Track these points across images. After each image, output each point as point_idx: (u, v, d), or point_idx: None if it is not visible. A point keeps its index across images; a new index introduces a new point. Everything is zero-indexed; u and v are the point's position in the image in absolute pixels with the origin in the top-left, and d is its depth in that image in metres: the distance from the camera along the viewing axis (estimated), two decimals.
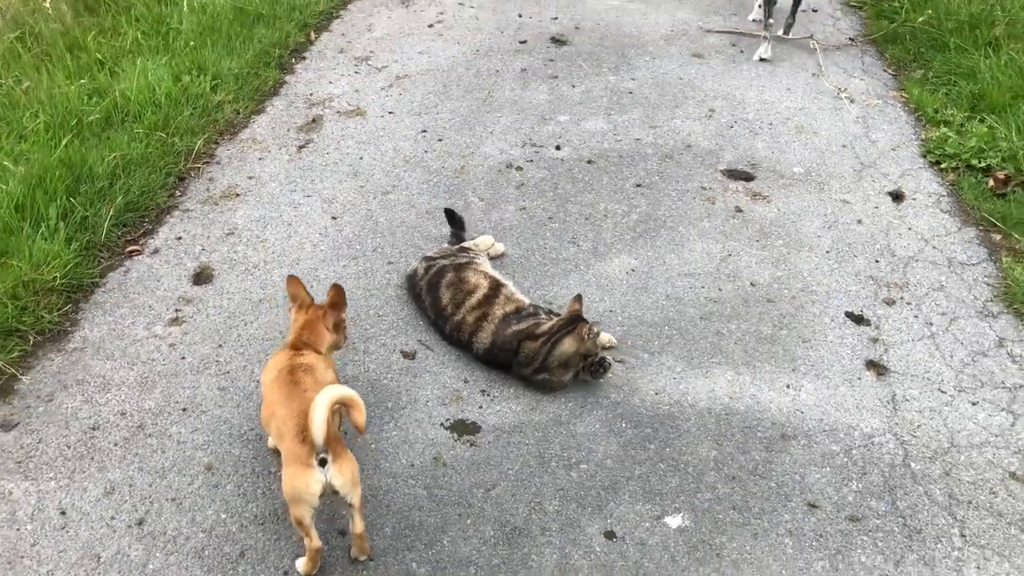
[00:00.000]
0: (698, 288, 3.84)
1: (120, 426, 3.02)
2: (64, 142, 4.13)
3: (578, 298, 3.28)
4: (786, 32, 6.24)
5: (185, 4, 5.78)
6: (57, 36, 5.17)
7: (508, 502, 2.84)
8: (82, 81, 4.78)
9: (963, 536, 2.77)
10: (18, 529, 2.66)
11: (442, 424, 3.11)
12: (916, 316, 3.71)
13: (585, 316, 3.28)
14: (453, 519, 2.77)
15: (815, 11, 6.86)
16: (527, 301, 3.43)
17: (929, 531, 2.78)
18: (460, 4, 6.78)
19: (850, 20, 6.75)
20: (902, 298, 3.81)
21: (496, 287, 3.44)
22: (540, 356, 3.17)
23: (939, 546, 2.74)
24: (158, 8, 5.81)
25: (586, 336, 3.14)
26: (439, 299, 3.46)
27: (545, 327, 3.22)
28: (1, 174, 3.87)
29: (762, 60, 5.98)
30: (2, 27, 5.19)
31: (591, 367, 3.22)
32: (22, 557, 2.58)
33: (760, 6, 6.40)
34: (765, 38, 6.02)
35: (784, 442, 3.09)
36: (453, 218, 3.94)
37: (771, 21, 6.00)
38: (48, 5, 5.43)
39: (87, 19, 5.70)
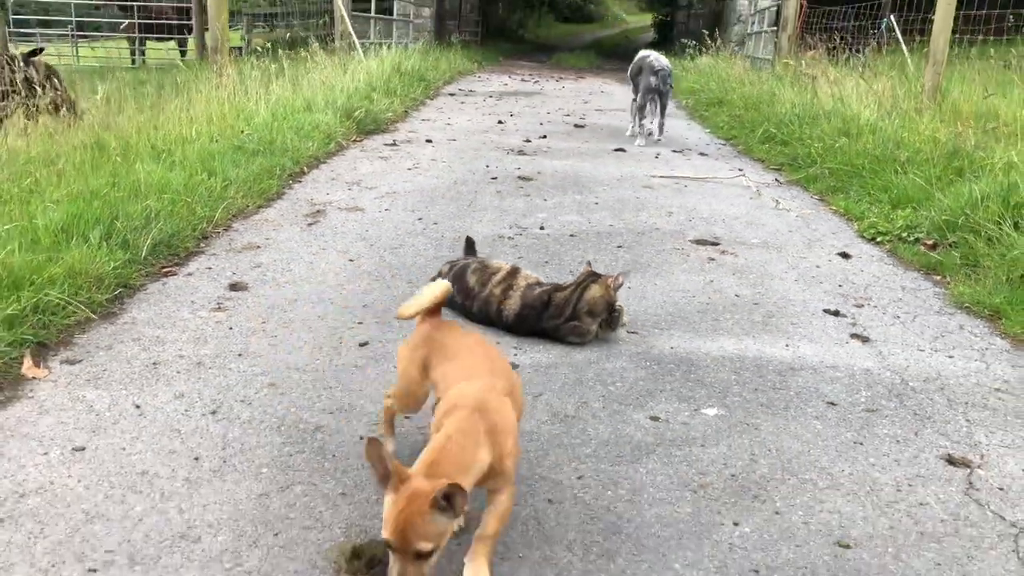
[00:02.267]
0: (690, 298, 4.26)
1: (180, 363, 3.17)
2: (96, 203, 4.46)
3: (588, 264, 3.67)
4: (650, 134, 9.56)
5: (187, 144, 6.35)
6: (81, 158, 5.61)
7: (556, 403, 3.05)
8: (103, 178, 5.18)
9: (968, 420, 3.08)
10: (97, 415, 2.74)
11: None
12: (884, 314, 4.18)
13: None
14: None
15: (741, 170, 7.85)
16: (545, 279, 3.80)
17: (938, 417, 3.08)
18: (432, 160, 7.55)
19: (772, 175, 7.74)
20: (869, 302, 4.30)
21: (516, 268, 3.81)
22: (571, 303, 3.50)
23: (949, 425, 3.03)
24: (161, 149, 6.35)
25: (612, 284, 3.51)
26: (466, 283, 3.79)
27: (572, 281, 3.58)
28: (43, 212, 4.15)
29: (633, 138, 9.31)
30: (20, 148, 5.63)
31: (610, 320, 3.56)
32: (105, 429, 2.66)
33: (633, 124, 9.79)
34: (637, 134, 9.33)
35: (793, 372, 3.42)
36: (470, 246, 4.33)
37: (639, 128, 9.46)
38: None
39: (98, 154, 6.19)
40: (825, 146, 7.75)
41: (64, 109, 8.81)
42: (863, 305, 4.26)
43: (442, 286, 2.46)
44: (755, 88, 11.65)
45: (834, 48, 14.98)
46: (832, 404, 3.14)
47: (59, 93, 8.78)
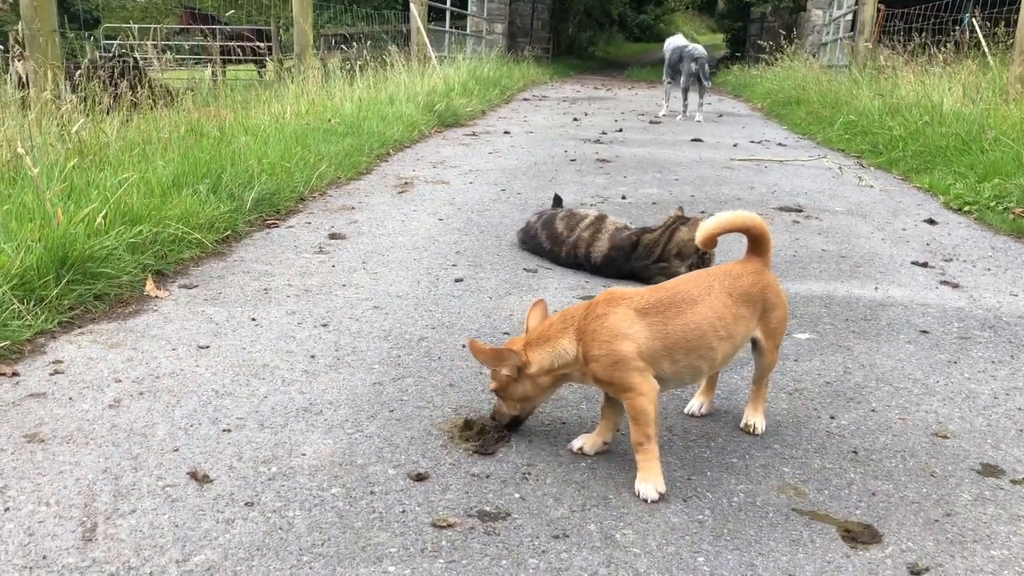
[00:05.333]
0: (776, 252, 4.27)
1: (288, 291, 3.35)
2: (204, 157, 4.71)
3: (680, 207, 3.75)
4: (686, 111, 11.07)
5: (279, 126, 6.63)
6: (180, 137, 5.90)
7: None
8: (205, 150, 5.45)
9: None
10: (217, 324, 2.92)
11: (574, 296, 3.45)
12: (974, 267, 4.15)
13: None
14: None
15: (822, 157, 7.83)
16: (633, 224, 3.89)
17: None
18: (511, 146, 7.72)
19: (854, 160, 7.70)
20: (958, 257, 4.28)
21: (603, 215, 3.91)
22: (660, 244, 3.58)
23: None
24: (253, 133, 6.63)
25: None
26: (555, 229, 3.90)
27: (660, 223, 3.66)
28: (154, 170, 4.41)
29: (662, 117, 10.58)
30: (130, 127, 5.94)
31: (702, 261, 3.62)
32: (226, 335, 2.83)
33: (665, 103, 11.74)
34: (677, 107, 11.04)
35: (884, 307, 3.43)
36: (558, 202, 4.45)
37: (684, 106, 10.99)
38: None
39: (191, 139, 6.49)
40: (908, 130, 7.69)
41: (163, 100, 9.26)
42: (952, 260, 4.24)
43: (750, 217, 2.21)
44: (832, 86, 11.56)
45: (913, 50, 14.78)
46: (925, 332, 3.16)
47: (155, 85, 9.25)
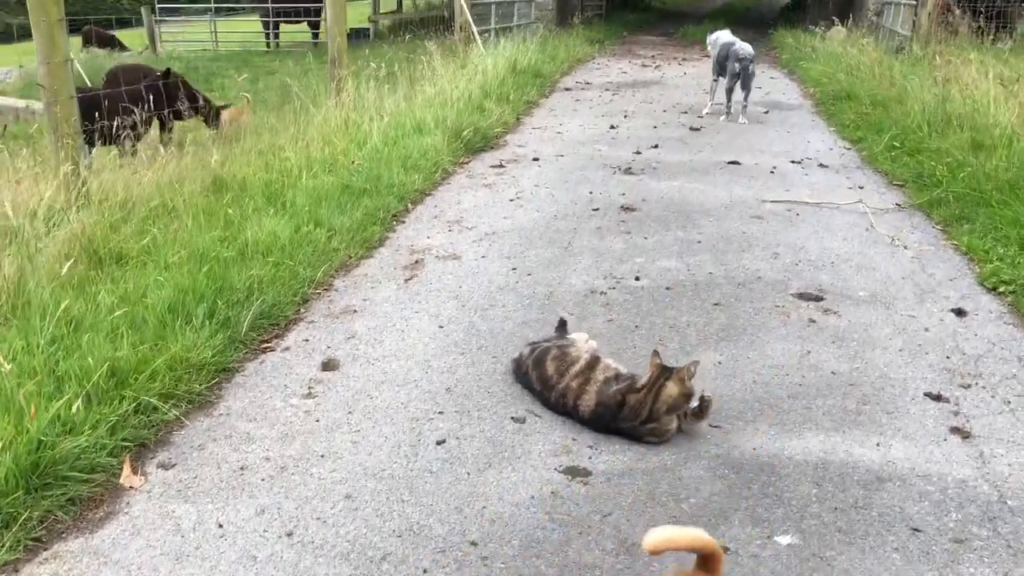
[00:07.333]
0: (782, 376, 4.13)
1: (265, 467, 3.33)
2: (206, 268, 4.69)
3: (655, 353, 3.61)
4: (730, 111, 10.82)
5: (299, 182, 6.59)
6: (198, 205, 5.90)
7: (624, 525, 3.04)
8: (215, 232, 5.44)
9: None
10: (183, 536, 2.92)
11: (556, 469, 3.36)
12: (993, 397, 3.93)
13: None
14: (574, 536, 2.97)
15: (861, 188, 7.51)
16: (624, 370, 3.76)
17: None
18: (536, 186, 7.55)
19: (894, 193, 7.36)
20: (978, 380, 4.06)
21: (596, 359, 3.79)
22: (646, 405, 3.47)
23: None
24: (275, 187, 6.61)
25: (686, 376, 3.46)
26: (545, 371, 3.80)
27: (645, 380, 3.55)
28: (156, 286, 4.41)
29: (705, 116, 11.08)
30: (147, 195, 5.97)
31: (696, 410, 3.52)
32: (188, 556, 2.83)
33: (711, 102, 11.37)
34: (722, 107, 10.93)
35: (880, 483, 3.28)
36: (563, 325, 4.32)
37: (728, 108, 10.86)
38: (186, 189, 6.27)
39: (215, 196, 6.50)
40: (954, 163, 7.31)
41: (210, 120, 9.34)
42: (970, 386, 4.03)
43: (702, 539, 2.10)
44: (884, 82, 11.04)
45: (979, 28, 14.01)
46: (916, 531, 3.01)
47: (202, 105, 9.32)
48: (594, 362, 3.77)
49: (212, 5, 27.29)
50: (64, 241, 4.96)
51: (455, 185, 7.58)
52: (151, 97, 7.96)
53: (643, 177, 7.90)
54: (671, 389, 3.51)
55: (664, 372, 3.56)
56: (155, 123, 9.33)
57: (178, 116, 9.39)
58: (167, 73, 9.37)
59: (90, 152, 7.80)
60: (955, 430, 3.66)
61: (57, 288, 4.27)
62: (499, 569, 2.80)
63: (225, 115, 9.89)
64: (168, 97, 9.28)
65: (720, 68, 11.04)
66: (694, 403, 3.59)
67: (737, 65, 10.50)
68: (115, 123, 7.14)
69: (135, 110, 7.39)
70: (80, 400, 3.30)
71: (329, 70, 10.08)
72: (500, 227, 6.35)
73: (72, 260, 4.45)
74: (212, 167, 6.69)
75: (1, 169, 6.18)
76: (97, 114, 7.33)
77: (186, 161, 7.10)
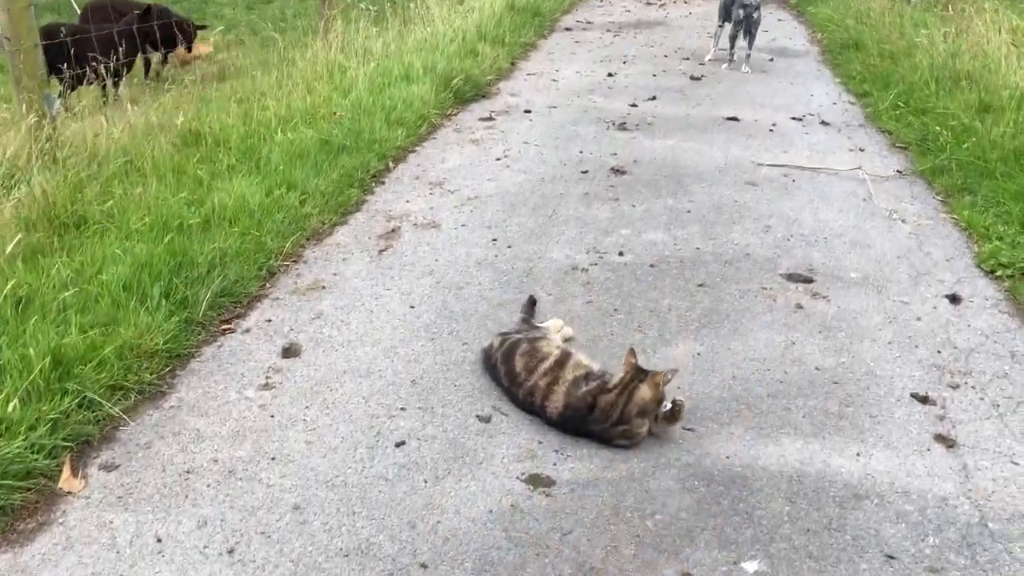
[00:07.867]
0: (763, 371, 3.95)
1: (212, 471, 3.18)
2: (167, 238, 4.48)
3: (631, 352, 3.44)
4: (733, 59, 10.47)
5: (276, 135, 6.32)
6: (168, 164, 5.66)
7: (584, 546, 2.89)
8: (183, 195, 5.21)
9: None
10: (118, 552, 2.78)
11: (518, 477, 3.21)
12: (982, 399, 3.76)
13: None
14: (531, 558, 2.83)
15: (862, 150, 7.23)
16: (596, 367, 3.59)
17: None
18: (525, 143, 7.28)
19: (897, 158, 7.08)
20: (968, 379, 3.88)
21: (567, 355, 3.61)
22: (618, 407, 3.30)
23: None
24: (251, 140, 6.34)
25: (661, 382, 3.30)
26: (513, 367, 3.62)
27: (617, 379, 3.38)
28: (113, 260, 4.21)
29: (707, 63, 10.67)
30: (115, 151, 5.72)
31: (667, 414, 3.36)
32: (122, 574, 2.69)
33: (714, 48, 10.99)
34: (725, 53, 10.52)
35: (857, 501, 3.12)
36: (532, 304, 4.14)
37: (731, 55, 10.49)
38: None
39: (187, 150, 6.25)
40: (959, 127, 7.02)
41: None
42: (959, 385, 3.85)
43: None
44: (895, 31, 10.62)
45: None
46: (891, 558, 2.86)
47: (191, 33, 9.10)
48: (564, 359, 3.59)
49: None
50: (23, 205, 4.75)
51: (441, 140, 7.30)
52: (123, 42, 7.60)
53: (637, 135, 7.61)
54: (644, 392, 3.34)
55: (639, 373, 3.39)
56: (140, 60, 9.04)
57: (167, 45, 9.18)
58: (147, 11, 8.98)
59: (66, 95, 7.51)
60: (940, 438, 3.50)
61: (7, 263, 4.06)
62: None
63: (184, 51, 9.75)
64: (151, 35, 8.94)
65: (726, 13, 10.66)
66: (666, 406, 3.42)
67: (742, 12, 10.11)
68: (91, 65, 6.81)
69: (112, 51, 7.05)
70: (17, 398, 3.12)
71: (319, 8, 9.71)
72: (484, 191, 6.11)
73: (24, 232, 4.22)
74: (187, 121, 6.43)
75: None
76: (71, 56, 6.99)
77: (164, 100, 6.85)
